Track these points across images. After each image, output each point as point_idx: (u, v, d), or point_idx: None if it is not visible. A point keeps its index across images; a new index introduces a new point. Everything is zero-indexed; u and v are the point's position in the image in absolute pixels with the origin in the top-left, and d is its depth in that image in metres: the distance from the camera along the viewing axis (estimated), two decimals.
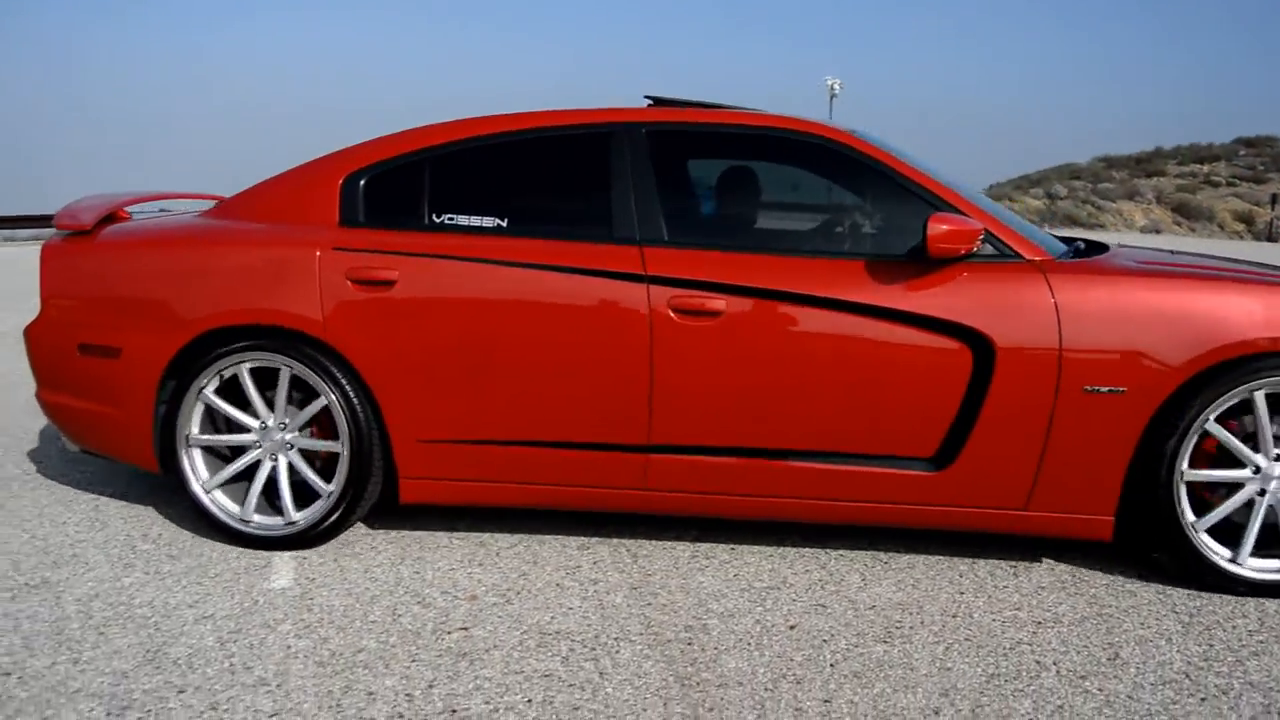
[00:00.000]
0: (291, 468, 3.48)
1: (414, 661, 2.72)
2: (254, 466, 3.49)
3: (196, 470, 3.49)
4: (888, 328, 3.17)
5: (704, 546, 3.55)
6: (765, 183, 3.70)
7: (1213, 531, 3.21)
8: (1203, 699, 2.58)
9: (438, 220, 3.43)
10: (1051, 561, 3.43)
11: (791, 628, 2.95)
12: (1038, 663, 2.75)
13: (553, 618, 2.99)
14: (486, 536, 3.62)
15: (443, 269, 3.33)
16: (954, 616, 3.03)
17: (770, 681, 2.64)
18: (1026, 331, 3.11)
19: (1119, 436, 3.13)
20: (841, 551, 3.52)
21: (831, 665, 2.73)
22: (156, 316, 3.40)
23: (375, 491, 3.47)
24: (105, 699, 2.52)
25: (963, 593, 3.20)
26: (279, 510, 3.46)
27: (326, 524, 3.43)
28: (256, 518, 3.47)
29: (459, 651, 2.78)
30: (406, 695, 2.56)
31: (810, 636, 2.89)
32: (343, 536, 3.59)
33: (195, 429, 3.46)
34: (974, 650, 2.82)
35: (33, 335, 3.64)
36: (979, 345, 3.13)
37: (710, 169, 3.68)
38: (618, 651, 2.79)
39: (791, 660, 2.75)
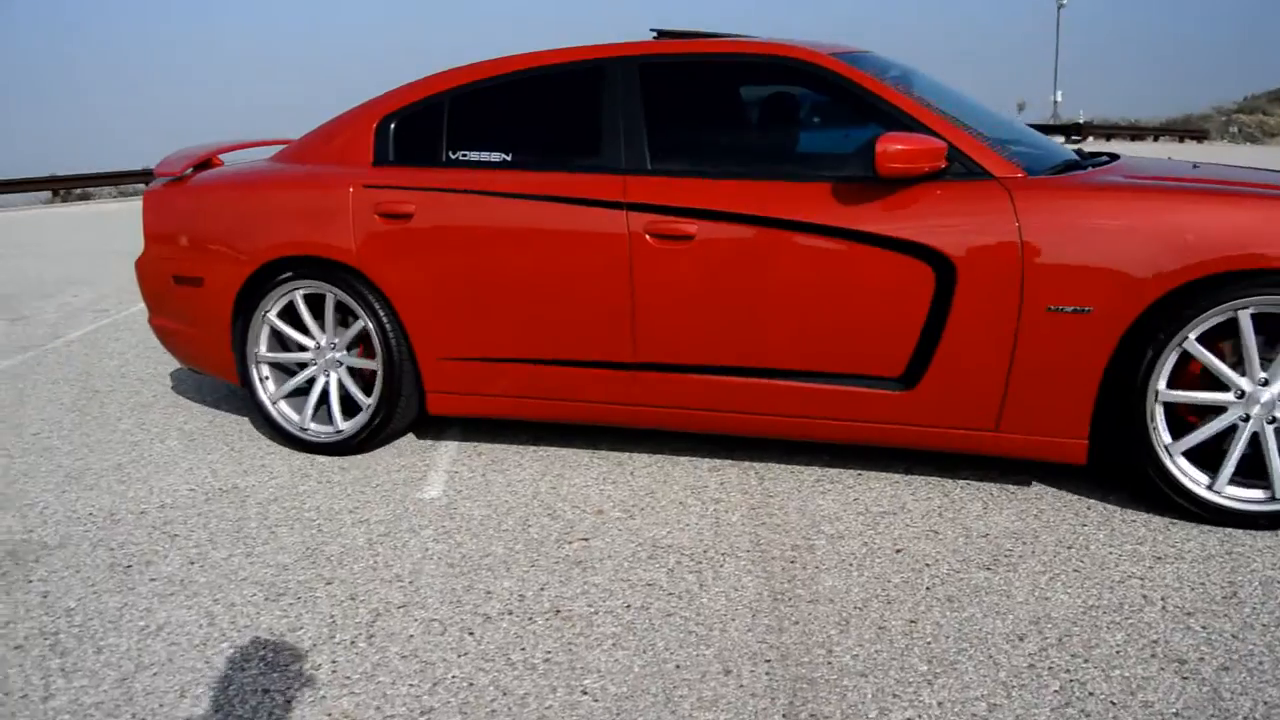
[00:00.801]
0: (341, 383, 3.93)
1: (533, 566, 2.98)
2: (311, 381, 3.98)
3: (265, 384, 4.01)
4: (851, 248, 3.21)
5: (831, 471, 3.62)
6: (748, 109, 3.70)
7: (1196, 457, 3.10)
8: None
9: (452, 157, 3.73)
10: None
11: (898, 551, 3.00)
12: (1144, 597, 2.69)
13: (669, 532, 3.17)
14: (624, 456, 3.84)
15: (452, 201, 3.64)
16: (1069, 548, 2.99)
17: (862, 601, 2.72)
18: (987, 251, 3.08)
19: (1086, 357, 3.05)
20: (967, 480, 3.51)
21: (927, 588, 2.77)
22: (228, 250, 3.90)
23: (410, 405, 3.85)
24: (265, 586, 2.91)
25: (1085, 525, 3.14)
26: (331, 420, 3.92)
27: (367, 432, 3.86)
28: (313, 426, 3.97)
29: (575, 560, 3.01)
30: (519, 596, 2.81)
31: (914, 560, 2.93)
32: (488, 453, 3.90)
33: (263, 348, 3.97)
34: (1079, 581, 2.78)
35: (140, 268, 4.24)
36: (941, 265, 3.13)
37: (698, 98, 3.67)
38: (721, 566, 2.94)
39: (889, 582, 2.82)
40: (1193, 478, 3.12)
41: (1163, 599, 2.68)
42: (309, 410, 3.96)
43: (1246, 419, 3.03)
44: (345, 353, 3.92)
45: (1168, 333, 2.99)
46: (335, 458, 3.91)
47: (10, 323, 7.09)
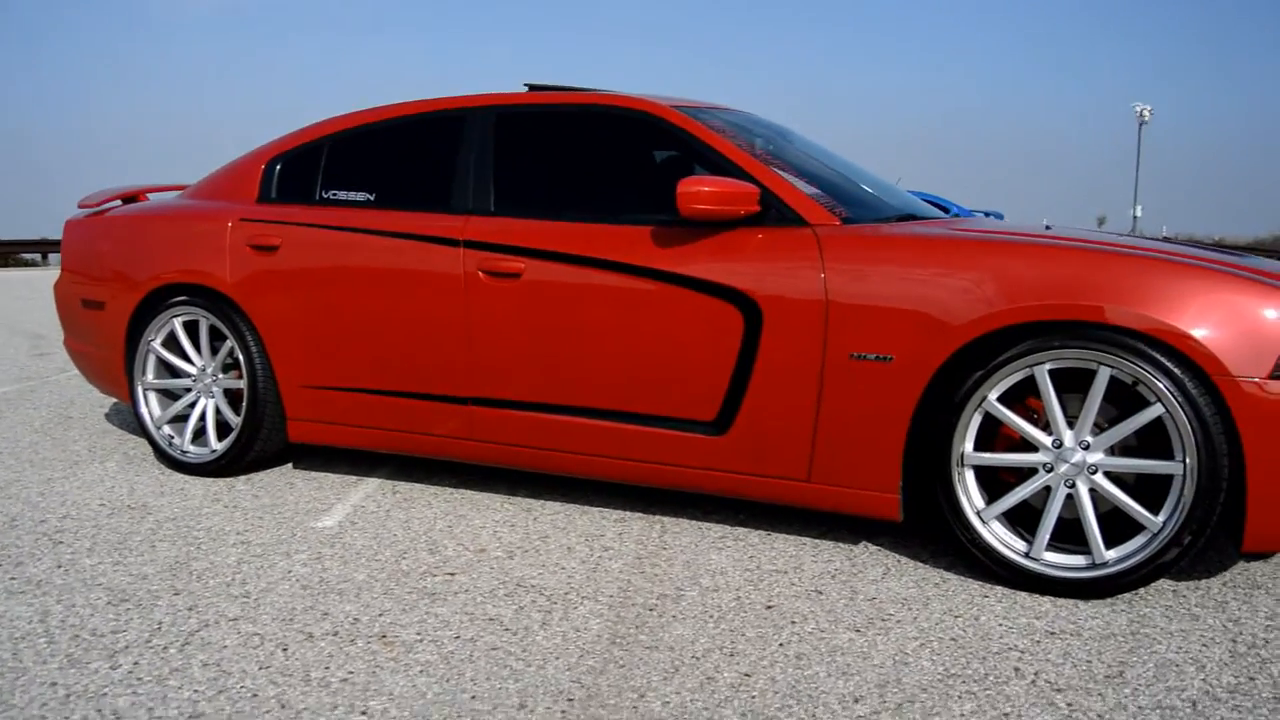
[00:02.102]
0: (218, 408, 4.04)
1: (384, 594, 2.85)
2: (193, 405, 4.09)
3: (151, 409, 4.14)
4: (664, 290, 3.18)
5: (739, 530, 3.41)
6: (588, 156, 3.67)
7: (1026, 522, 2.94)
8: None
9: (324, 196, 3.90)
10: None
11: (769, 608, 2.77)
12: (1015, 669, 2.41)
13: (539, 574, 3.01)
14: (535, 502, 3.71)
15: (313, 236, 3.77)
16: (956, 617, 2.71)
17: (703, 651, 2.50)
18: (793, 296, 3.02)
19: (890, 407, 2.94)
20: (879, 546, 3.25)
21: (780, 645, 2.54)
22: (124, 276, 4.11)
23: (276, 430, 3.92)
24: (114, 592, 2.86)
25: (985, 596, 2.85)
26: (207, 442, 4.05)
27: (235, 452, 3.92)
28: (192, 448, 4.07)
29: (430, 591, 2.87)
30: (354, 619, 2.68)
31: (781, 617, 2.70)
32: (405, 491, 3.81)
33: (151, 375, 4.12)
34: (951, 650, 2.51)
35: (56, 292, 4.49)
36: (749, 309, 3.08)
37: (543, 146, 3.71)
38: (576, 607, 2.76)
39: (742, 635, 2.59)
40: (1008, 544, 2.91)
41: (1035, 673, 2.39)
42: (187, 432, 4.03)
43: (1070, 482, 2.83)
44: (220, 375, 3.99)
45: (970, 387, 2.86)
46: (257, 487, 3.87)
47: (31, 356, 7.46)
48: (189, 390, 4.05)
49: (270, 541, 3.26)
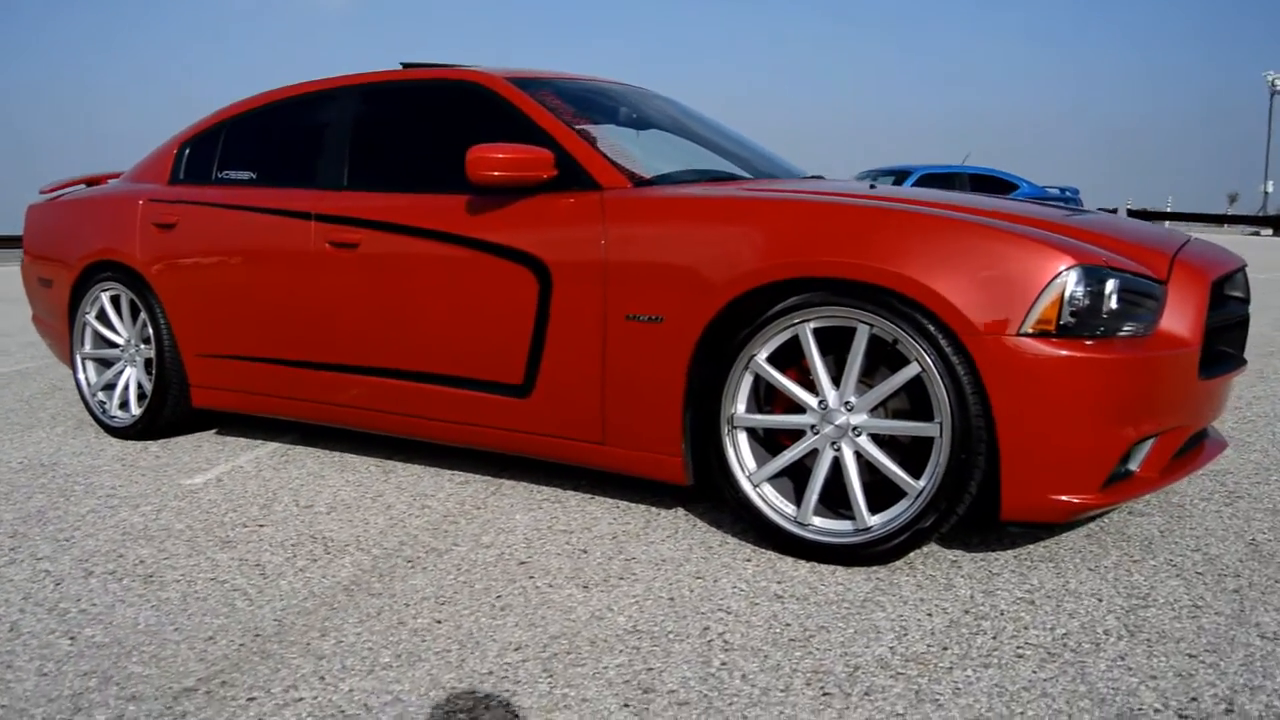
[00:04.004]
0: (139, 376, 4.31)
1: (186, 542, 3.04)
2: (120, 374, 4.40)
3: (89, 376, 4.47)
4: (472, 256, 3.26)
5: (568, 493, 3.43)
6: (426, 129, 3.72)
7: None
8: (820, 690, 2.07)
9: (219, 176, 4.15)
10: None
11: (521, 564, 2.81)
12: (705, 629, 2.37)
13: (340, 528, 3.14)
14: (400, 466, 3.84)
15: (203, 214, 4.05)
16: (699, 579, 2.67)
17: (419, 600, 2.56)
18: (576, 259, 3.05)
19: (665, 369, 2.92)
20: (690, 511, 3.20)
21: (496, 597, 2.58)
22: (64, 256, 4.46)
23: (183, 396, 4.16)
24: None
25: (748, 560, 2.79)
26: (129, 407, 4.35)
27: (148, 419, 4.22)
28: (119, 413, 4.37)
29: (226, 540, 3.05)
30: (140, 561, 2.88)
31: (525, 572, 2.73)
32: (293, 455, 4.01)
33: (88, 346, 4.46)
34: (658, 608, 2.48)
35: (22, 272, 4.89)
36: (541, 273, 3.12)
37: (391, 121, 3.82)
38: (341, 558, 2.88)
39: (469, 587, 2.64)
40: (778, 509, 2.82)
41: (720, 634, 2.35)
42: (114, 399, 4.34)
43: (835, 444, 2.75)
44: (142, 345, 4.26)
45: (734, 351, 2.80)
46: (169, 450, 4.14)
47: None
48: (119, 360, 4.37)
49: (132, 496, 3.51)
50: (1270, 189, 44.57)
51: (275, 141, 4.07)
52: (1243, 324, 3.18)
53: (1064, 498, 2.54)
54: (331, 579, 2.72)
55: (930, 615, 2.42)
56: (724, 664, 2.19)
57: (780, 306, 2.72)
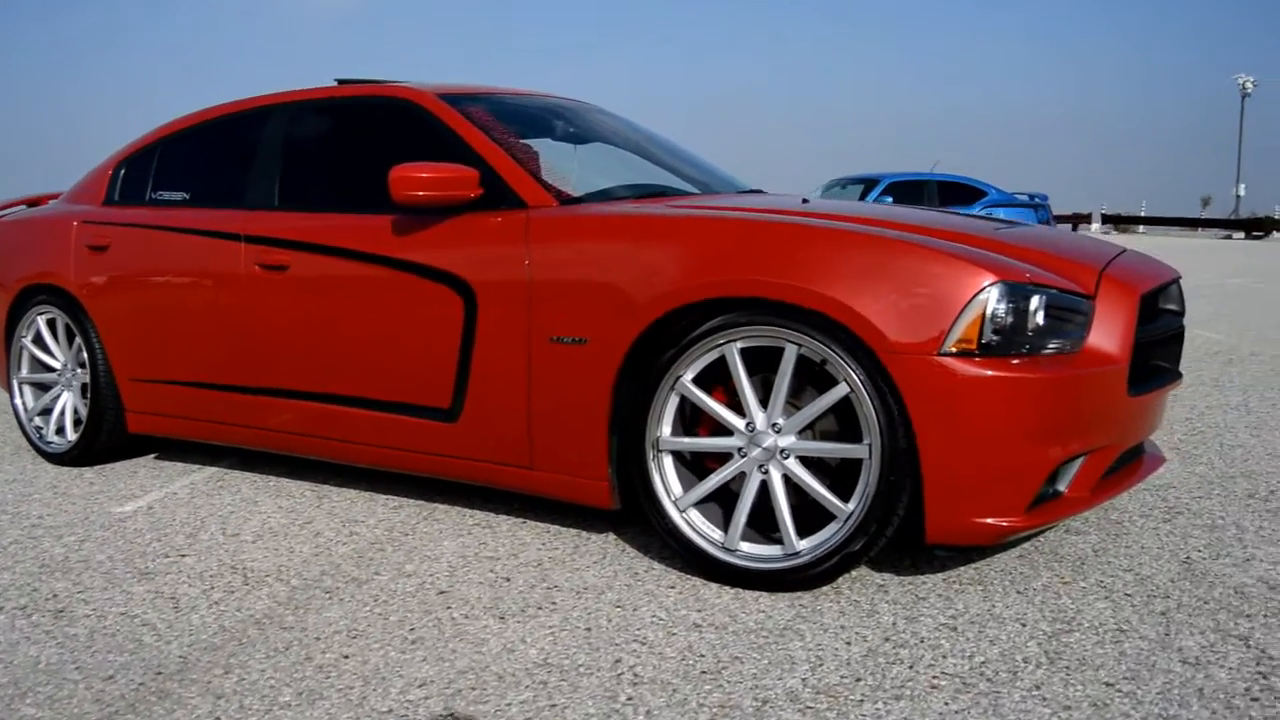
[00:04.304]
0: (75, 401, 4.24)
1: (104, 575, 2.96)
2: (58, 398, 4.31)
3: (26, 401, 4.37)
4: (403, 279, 3.19)
5: (499, 518, 3.37)
6: (356, 147, 3.68)
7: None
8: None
9: (152, 196, 4.07)
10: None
11: (441, 593, 2.75)
12: (616, 661, 2.32)
13: (263, 557, 3.07)
14: (334, 490, 3.77)
15: (135, 236, 3.96)
16: (619, 608, 2.62)
17: (330, 633, 2.50)
18: (501, 280, 3.00)
19: (590, 392, 2.86)
20: (619, 535, 3.15)
21: (410, 629, 2.52)
22: (1, 279, 4.40)
23: (118, 421, 4.07)
24: None
25: (672, 587, 2.74)
26: (64, 433, 4.26)
27: (84, 444, 4.13)
28: (55, 439, 4.27)
29: (145, 571, 2.98)
30: (53, 595, 2.81)
31: (443, 603, 2.67)
32: (229, 480, 3.94)
33: (25, 370, 4.38)
34: (573, 640, 2.43)
35: None
36: (467, 295, 3.06)
37: (322, 140, 3.77)
38: (259, 589, 2.81)
39: (384, 619, 2.58)
40: (705, 535, 2.77)
41: (630, 666, 2.30)
42: (52, 425, 4.25)
43: (763, 467, 2.70)
44: (78, 371, 4.19)
45: (659, 372, 2.75)
46: (104, 476, 4.07)
47: None
48: (55, 384, 4.29)
49: (58, 525, 3.43)
50: (1242, 192, 45.22)
51: (208, 161, 4.01)
52: (1177, 337, 3.15)
53: (989, 520, 2.50)
54: (245, 612, 2.66)
55: (849, 644, 2.37)
56: (630, 699, 2.14)
57: (706, 326, 2.68)
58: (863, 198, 13.41)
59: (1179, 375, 3.08)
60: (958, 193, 13.62)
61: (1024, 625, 2.45)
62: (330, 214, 3.46)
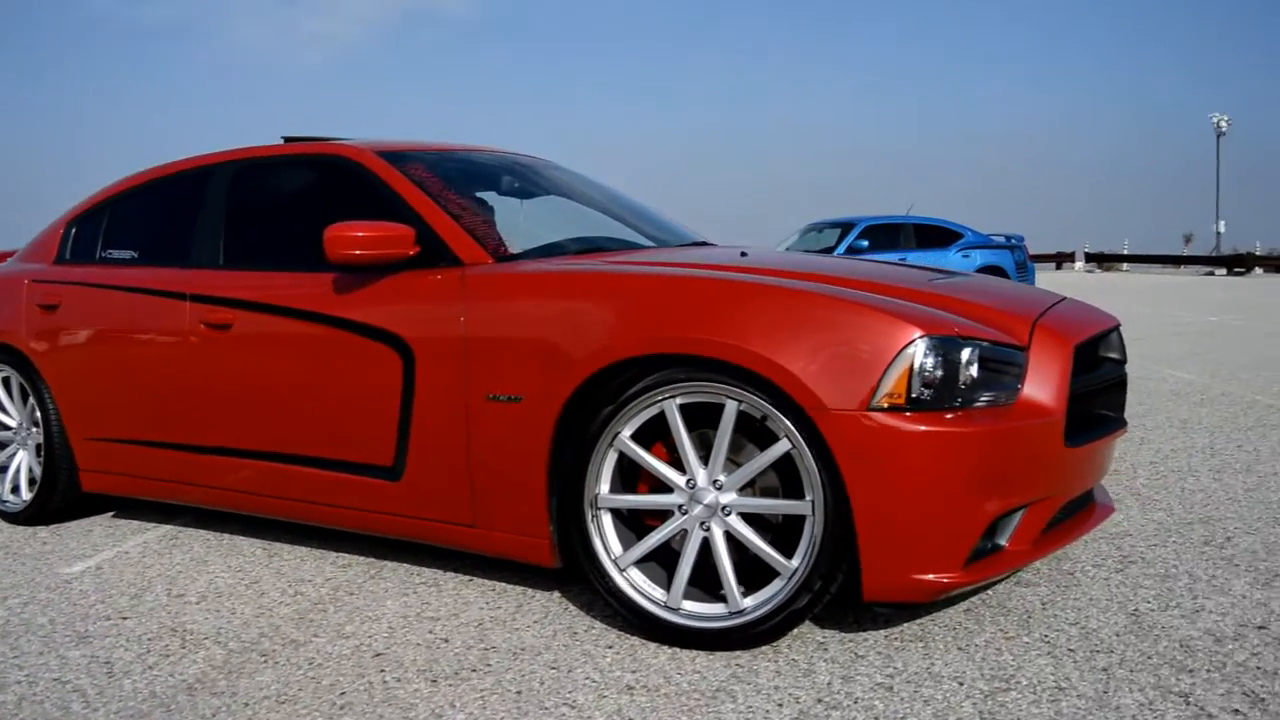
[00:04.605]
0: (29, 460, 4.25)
1: (43, 639, 2.93)
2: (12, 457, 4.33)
3: None
4: (343, 338, 3.20)
5: (447, 575, 3.34)
6: (298, 206, 3.71)
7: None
8: None
9: (102, 255, 4.09)
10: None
11: (377, 655, 2.71)
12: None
13: (204, 619, 3.03)
14: (285, 548, 3.75)
15: (84, 294, 3.98)
16: (554, 669, 2.58)
17: (259, 699, 2.47)
18: (437, 337, 3.00)
19: (527, 450, 2.85)
20: (564, 593, 3.12)
21: (340, 694, 2.48)
22: None
23: (72, 480, 4.06)
24: None
25: (610, 647, 2.71)
26: (19, 492, 4.25)
27: (38, 504, 4.13)
28: (10, 498, 4.26)
29: (84, 635, 2.94)
30: None
31: (377, 666, 2.63)
32: (183, 538, 3.92)
33: None
34: (505, 703, 2.39)
35: None
36: (406, 353, 3.06)
37: (264, 197, 3.79)
38: (194, 653, 2.77)
39: (316, 683, 2.54)
40: (647, 594, 2.73)
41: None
42: (7, 483, 4.24)
43: (704, 524, 2.68)
44: (33, 430, 4.17)
45: (598, 429, 2.73)
46: (56, 535, 4.04)
47: None
48: (11, 443, 4.28)
49: (5, 586, 3.40)
50: (1223, 229, 45.69)
51: (155, 219, 4.02)
52: (1120, 385, 3.15)
53: (927, 577, 2.48)
54: (178, 677, 2.62)
55: (781, 705, 2.34)
56: None
57: (645, 383, 2.67)
58: (839, 241, 13.52)
59: (1123, 423, 3.08)
60: (934, 235, 13.73)
61: (961, 684, 2.42)
62: (273, 272, 3.47)
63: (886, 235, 13.58)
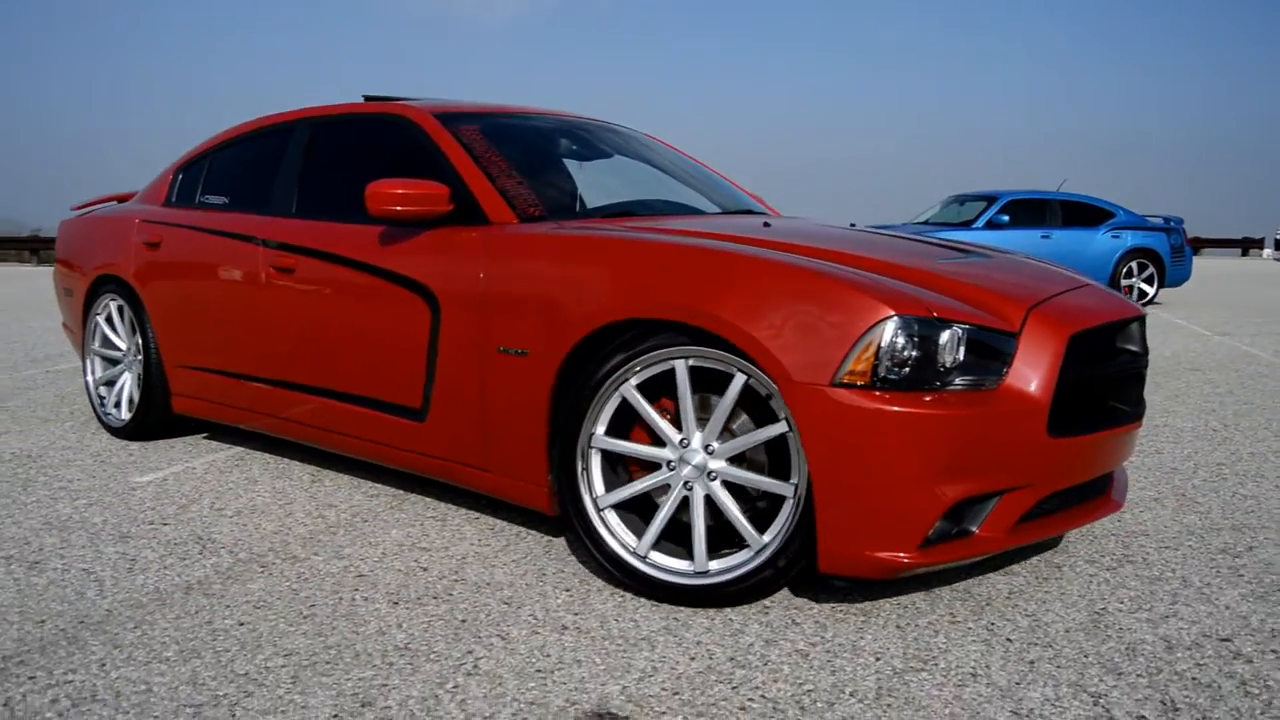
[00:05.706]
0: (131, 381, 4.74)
1: (91, 534, 3.34)
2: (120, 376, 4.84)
3: (95, 373, 4.95)
4: (385, 287, 3.44)
5: (474, 513, 3.57)
6: (362, 160, 3.89)
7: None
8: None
9: (201, 200, 4.52)
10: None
11: (360, 576, 2.96)
12: (470, 652, 2.47)
13: (231, 530, 3.38)
14: (337, 475, 4.07)
15: (180, 235, 4.41)
16: (525, 612, 2.77)
17: (240, 605, 2.75)
18: (460, 291, 3.21)
19: (531, 401, 3.03)
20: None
21: (309, 607, 2.74)
22: (79, 269, 4.97)
23: (165, 402, 4.52)
24: None
25: (568, 590, 2.87)
26: (120, 408, 4.77)
27: (135, 422, 4.63)
28: (114, 412, 4.78)
29: (123, 534, 3.33)
30: (38, 550, 3.19)
31: (342, 588, 2.88)
32: (250, 460, 4.32)
33: (97, 344, 4.93)
34: (450, 626, 2.60)
35: (53, 282, 5.32)
36: (433, 304, 3.29)
37: (336, 152, 4.04)
38: (204, 559, 3.10)
39: (301, 599, 2.81)
40: (620, 538, 2.86)
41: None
42: (112, 398, 4.75)
43: (690, 484, 2.78)
44: (137, 355, 4.65)
45: (607, 374, 2.84)
46: (132, 451, 4.51)
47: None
48: (120, 364, 4.78)
49: (79, 490, 3.86)
50: None
51: (244, 169, 4.39)
52: (1136, 378, 3.06)
53: (881, 554, 2.51)
54: (183, 578, 2.95)
55: (692, 659, 2.44)
56: (455, 687, 2.29)
57: (657, 339, 2.75)
58: (980, 215, 13.10)
59: (1135, 417, 2.99)
60: (1082, 212, 13.13)
61: (878, 659, 2.47)
62: (333, 223, 3.75)
63: (1031, 211, 13.05)
